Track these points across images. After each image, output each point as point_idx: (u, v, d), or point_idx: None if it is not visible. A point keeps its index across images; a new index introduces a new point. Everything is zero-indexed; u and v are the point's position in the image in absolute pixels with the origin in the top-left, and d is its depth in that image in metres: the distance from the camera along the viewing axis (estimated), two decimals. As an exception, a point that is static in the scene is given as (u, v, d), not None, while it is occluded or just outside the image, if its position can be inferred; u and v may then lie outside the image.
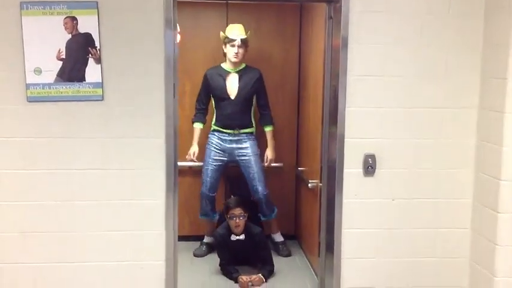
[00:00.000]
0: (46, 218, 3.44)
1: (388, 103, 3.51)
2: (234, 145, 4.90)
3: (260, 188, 4.90)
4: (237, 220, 4.60)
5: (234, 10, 5.29)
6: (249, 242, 4.65)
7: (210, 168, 4.92)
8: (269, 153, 5.05)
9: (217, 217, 5.10)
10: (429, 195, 3.61)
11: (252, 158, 4.91)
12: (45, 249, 3.47)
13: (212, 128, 4.97)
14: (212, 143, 4.94)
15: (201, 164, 5.05)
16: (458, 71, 3.52)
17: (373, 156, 3.53)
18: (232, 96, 4.86)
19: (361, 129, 3.51)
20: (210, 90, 4.93)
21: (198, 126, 4.99)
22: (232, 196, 5.01)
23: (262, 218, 5.06)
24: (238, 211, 4.62)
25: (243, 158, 4.91)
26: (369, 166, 3.53)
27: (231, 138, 4.89)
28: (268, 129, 5.06)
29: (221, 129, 4.90)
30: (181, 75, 4.93)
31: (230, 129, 4.88)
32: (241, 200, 4.77)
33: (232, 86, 4.87)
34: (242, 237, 4.65)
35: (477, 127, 3.55)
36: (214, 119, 4.97)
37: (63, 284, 3.50)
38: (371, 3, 3.42)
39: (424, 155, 3.57)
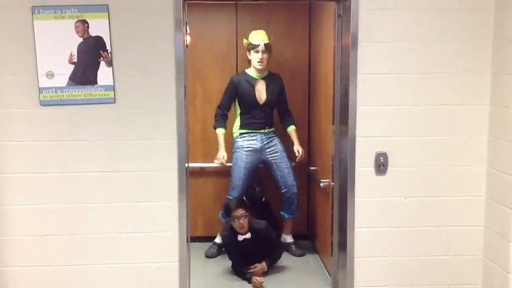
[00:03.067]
0: (59, 221, 3.47)
1: (399, 101, 3.50)
2: (265, 143, 4.92)
3: (294, 182, 4.97)
4: (241, 221, 4.60)
5: (243, 11, 5.31)
6: (256, 239, 4.65)
7: (243, 172, 4.88)
8: (299, 148, 5.05)
9: None
10: (441, 193, 3.60)
11: (284, 154, 4.99)
12: (58, 251, 3.49)
13: (239, 133, 4.96)
14: (243, 146, 4.91)
15: (213, 165, 5.06)
16: (468, 67, 3.51)
17: (384, 155, 3.53)
18: (261, 103, 4.89)
19: (372, 128, 3.51)
20: (238, 97, 4.93)
21: (221, 131, 4.96)
22: (234, 197, 4.97)
23: (287, 216, 5.06)
24: (240, 212, 4.60)
25: (274, 155, 4.95)
26: (381, 164, 3.53)
27: (262, 137, 4.90)
28: (292, 129, 5.10)
29: (250, 130, 4.90)
30: (191, 76, 4.98)
31: (260, 129, 4.89)
32: (240, 200, 4.79)
33: (261, 93, 4.90)
34: (248, 235, 4.65)
35: (489, 123, 3.54)
36: (239, 125, 4.97)
37: (76, 286, 3.52)
38: (380, 0, 3.42)
39: (435, 153, 3.56)
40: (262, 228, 4.71)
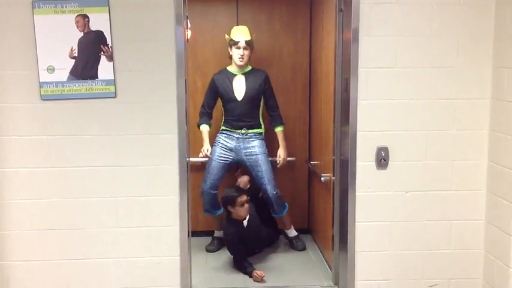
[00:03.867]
0: (60, 215, 3.48)
1: (400, 95, 3.50)
2: (241, 144, 4.90)
3: (269, 187, 4.88)
4: (246, 206, 4.67)
5: (244, 5, 5.30)
6: (253, 220, 4.75)
7: (213, 165, 4.91)
8: (281, 153, 5.04)
9: (221, 211, 5.11)
10: (443, 187, 3.60)
11: (260, 157, 4.90)
12: (59, 246, 3.50)
13: (221, 129, 4.99)
14: (219, 142, 4.95)
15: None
16: (470, 61, 3.50)
17: (385, 149, 3.53)
18: (239, 98, 4.87)
19: (373, 122, 3.51)
20: (217, 94, 4.94)
21: (204, 128, 4.98)
22: (224, 189, 4.99)
23: (276, 215, 5.06)
24: (244, 197, 4.70)
25: (250, 156, 4.91)
26: (382, 159, 3.53)
27: (238, 136, 4.89)
28: (279, 130, 5.06)
29: (229, 129, 4.91)
30: (192, 71, 4.98)
31: (238, 129, 4.89)
32: (239, 187, 4.93)
33: (239, 87, 4.88)
34: (247, 217, 4.75)
35: (490, 117, 3.54)
36: (222, 121, 4.99)
37: (77, 280, 3.54)
38: (381, -6, 3.42)
39: (437, 147, 3.56)
40: (252, 210, 4.84)
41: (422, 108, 3.52)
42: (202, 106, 5.01)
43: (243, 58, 4.81)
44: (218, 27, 5.28)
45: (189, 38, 4.11)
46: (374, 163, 3.54)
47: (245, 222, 4.73)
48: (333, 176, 3.99)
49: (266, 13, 5.29)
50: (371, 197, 3.57)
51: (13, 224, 3.46)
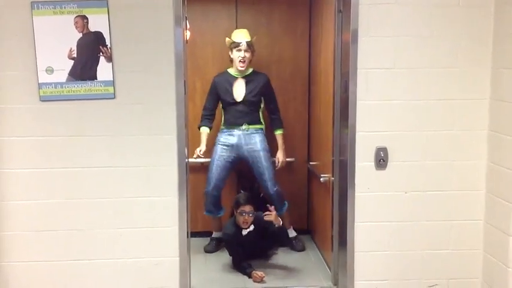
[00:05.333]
0: (59, 216, 3.48)
1: (399, 96, 3.50)
2: (243, 140, 4.90)
3: (269, 184, 4.89)
4: (246, 217, 4.62)
5: (244, 7, 5.30)
6: (258, 228, 4.67)
7: (215, 164, 4.91)
8: (280, 156, 5.05)
9: (222, 213, 5.11)
10: (442, 188, 3.60)
11: (261, 153, 4.90)
12: (59, 247, 3.50)
13: (221, 129, 4.99)
14: (219, 140, 4.95)
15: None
16: (469, 62, 3.50)
17: (385, 149, 3.53)
18: (239, 100, 4.88)
19: (372, 123, 3.51)
20: (218, 96, 4.94)
21: (205, 130, 4.97)
22: (242, 191, 5.02)
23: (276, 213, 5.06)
24: (248, 208, 4.63)
25: (252, 153, 4.91)
26: (381, 159, 3.53)
27: (239, 133, 4.89)
28: (278, 133, 5.07)
29: (229, 127, 4.91)
30: (191, 72, 4.97)
31: (239, 126, 4.89)
32: (250, 197, 4.78)
33: (239, 90, 4.89)
34: (252, 227, 4.68)
35: (489, 118, 3.54)
36: (222, 122, 4.99)
37: (77, 281, 3.54)
38: (380, -5, 3.42)
39: (436, 147, 3.56)
40: (262, 217, 4.74)
41: (421, 108, 3.52)
42: (204, 109, 5.01)
43: (244, 61, 4.81)
44: (218, 29, 5.28)
45: (188, 39, 4.12)
46: (373, 163, 3.55)
47: (244, 232, 4.69)
48: (332, 177, 3.99)
49: (265, 15, 5.30)
50: (370, 197, 3.57)
51: (13, 224, 3.46)
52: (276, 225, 4.51)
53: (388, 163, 3.54)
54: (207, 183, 4.94)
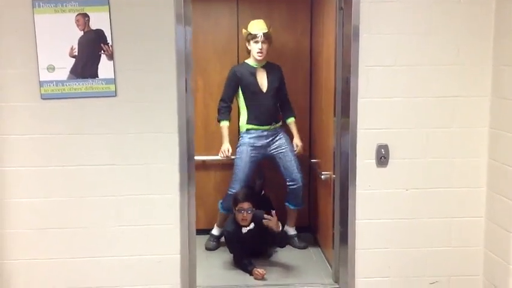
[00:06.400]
0: (61, 214, 3.48)
1: (400, 93, 3.50)
2: (270, 140, 4.92)
3: (300, 175, 4.94)
4: (245, 214, 4.61)
5: (245, 3, 5.30)
6: (259, 227, 4.66)
7: (248, 166, 4.86)
8: (298, 141, 5.07)
9: None
10: (443, 185, 3.60)
11: (289, 148, 4.97)
12: (60, 244, 3.51)
13: (246, 128, 4.93)
14: (247, 143, 4.88)
15: (215, 158, 5.08)
16: (470, 59, 3.50)
17: (385, 147, 3.53)
18: (264, 90, 4.88)
19: (373, 120, 3.51)
20: (241, 87, 4.90)
21: (225, 124, 4.93)
22: (243, 188, 5.01)
23: (293, 207, 5.06)
24: (246, 205, 4.62)
25: (280, 149, 4.94)
26: (382, 156, 3.53)
27: (267, 134, 4.89)
28: (292, 120, 5.11)
29: (258, 126, 4.88)
30: (193, 70, 4.95)
31: (267, 126, 4.88)
32: (249, 194, 4.76)
33: (263, 80, 4.90)
34: (252, 226, 4.67)
35: (490, 115, 3.54)
36: (246, 118, 4.93)
37: (79, 279, 3.54)
38: (381, -7, 3.42)
39: (437, 145, 3.56)
40: (262, 214, 4.73)
41: (423, 105, 3.52)
42: (223, 100, 4.95)
43: (261, 52, 4.82)
44: (219, 26, 5.29)
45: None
46: (374, 161, 3.55)
47: (244, 229, 4.67)
48: (333, 174, 4.00)
49: (266, 11, 5.29)
50: (371, 194, 3.58)
51: (14, 222, 3.47)
52: (276, 231, 4.51)
53: (389, 160, 3.55)
54: (235, 182, 4.88)
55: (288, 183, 4.99)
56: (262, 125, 4.88)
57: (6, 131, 3.39)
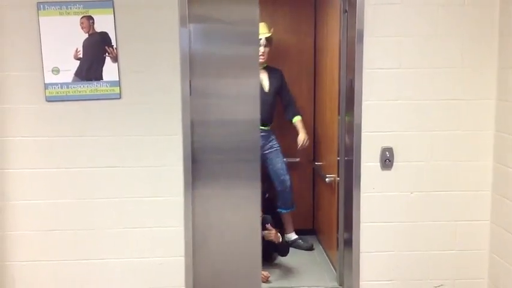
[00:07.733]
0: (65, 216, 3.49)
1: (404, 95, 3.49)
2: (265, 141, 4.95)
3: (288, 177, 4.98)
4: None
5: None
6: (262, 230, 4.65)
7: None
8: (302, 136, 5.06)
9: None
10: (448, 188, 3.59)
11: (279, 149, 5.02)
12: (64, 246, 3.51)
13: None
14: None
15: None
16: (474, 62, 3.49)
17: (390, 150, 3.53)
18: (266, 89, 4.92)
19: (378, 123, 3.51)
20: None
21: None
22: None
23: (285, 211, 5.06)
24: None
25: (271, 150, 4.98)
26: (387, 159, 3.53)
27: (263, 134, 4.90)
28: (298, 119, 5.12)
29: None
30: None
31: (264, 126, 4.89)
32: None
33: (264, 80, 4.95)
34: None
35: (495, 118, 3.53)
36: None
37: (83, 281, 3.54)
38: (386, -5, 3.42)
39: (441, 148, 3.55)
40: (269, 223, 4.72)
41: (427, 108, 3.51)
42: None
43: (263, 55, 4.85)
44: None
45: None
46: (379, 164, 3.54)
47: None
48: (338, 177, 4.00)
49: (270, 14, 5.29)
50: (376, 197, 3.57)
51: (18, 224, 3.47)
52: (277, 242, 4.51)
53: (394, 163, 3.54)
54: None
55: (276, 187, 5.02)
56: (262, 125, 4.89)
57: (11, 133, 3.40)
